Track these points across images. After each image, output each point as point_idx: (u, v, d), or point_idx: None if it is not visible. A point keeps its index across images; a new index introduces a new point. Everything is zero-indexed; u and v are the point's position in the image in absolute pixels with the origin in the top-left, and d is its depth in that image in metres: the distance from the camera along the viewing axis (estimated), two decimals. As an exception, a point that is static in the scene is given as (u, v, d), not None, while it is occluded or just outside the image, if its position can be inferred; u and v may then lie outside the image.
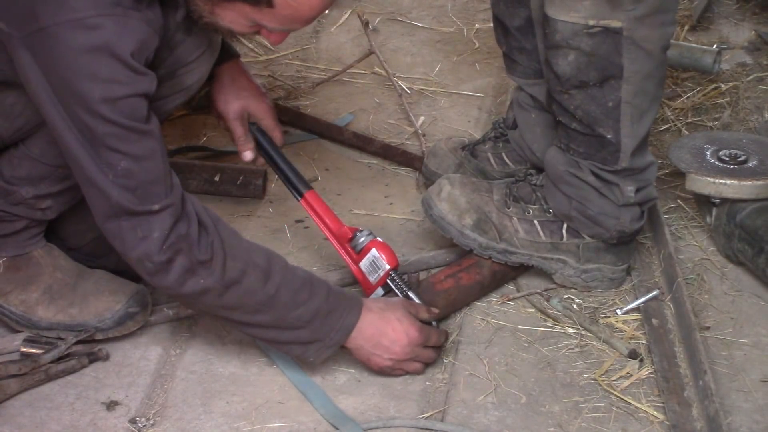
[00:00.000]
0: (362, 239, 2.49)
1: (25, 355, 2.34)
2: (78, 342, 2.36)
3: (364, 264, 2.48)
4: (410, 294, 2.43)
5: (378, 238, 2.50)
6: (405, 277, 2.51)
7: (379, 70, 3.45)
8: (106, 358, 2.38)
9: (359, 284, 2.52)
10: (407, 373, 2.37)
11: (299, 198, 2.57)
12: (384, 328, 2.31)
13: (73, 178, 2.21)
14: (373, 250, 2.47)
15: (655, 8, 2.37)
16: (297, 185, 2.57)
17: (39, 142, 2.29)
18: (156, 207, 2.13)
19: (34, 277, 2.42)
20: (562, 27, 2.39)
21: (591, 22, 2.37)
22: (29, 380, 2.30)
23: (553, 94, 2.49)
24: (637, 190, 2.52)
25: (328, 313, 2.27)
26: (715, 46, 3.51)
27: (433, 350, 2.38)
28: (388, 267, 2.46)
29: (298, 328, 2.26)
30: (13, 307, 2.41)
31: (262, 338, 2.33)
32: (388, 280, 2.45)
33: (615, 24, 2.36)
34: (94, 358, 2.37)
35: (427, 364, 2.39)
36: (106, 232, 2.17)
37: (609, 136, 2.45)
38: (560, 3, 2.38)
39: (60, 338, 2.37)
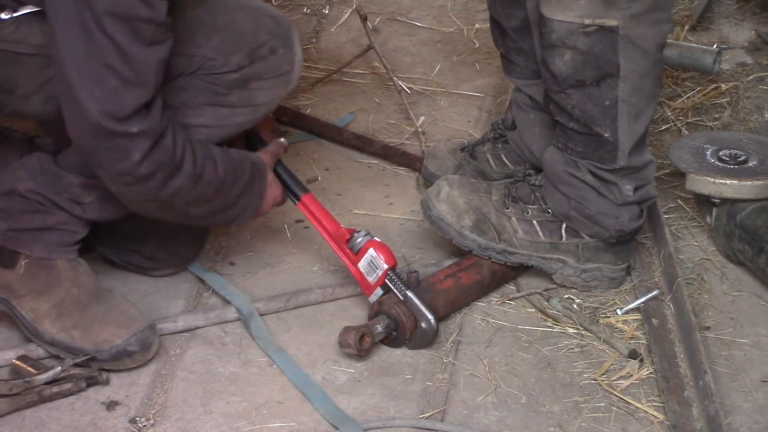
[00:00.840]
0: (359, 240, 2.49)
1: (16, 371, 2.31)
2: (76, 364, 2.32)
3: (362, 264, 2.48)
4: (409, 293, 2.43)
5: (375, 238, 2.49)
6: (404, 276, 2.50)
7: (378, 66, 3.45)
8: (106, 382, 2.33)
9: (358, 285, 2.51)
10: None
11: (296, 201, 2.57)
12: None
13: None
14: (371, 250, 2.47)
15: (651, 6, 2.37)
16: (294, 189, 2.58)
17: None
18: (134, 130, 2.16)
19: (50, 287, 2.38)
20: (558, 26, 2.39)
21: (587, 21, 2.37)
22: (20, 401, 2.26)
23: (550, 94, 2.50)
24: (636, 189, 2.52)
25: (251, 182, 2.44)
26: (715, 46, 3.51)
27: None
28: (386, 266, 2.46)
29: (234, 204, 2.43)
30: (24, 312, 2.39)
31: (203, 224, 2.49)
32: (386, 280, 2.45)
33: (611, 22, 2.36)
34: (92, 383, 2.32)
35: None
36: (84, 149, 2.21)
37: (606, 135, 2.45)
38: (556, 2, 2.38)
39: (59, 357, 2.35)
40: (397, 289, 2.44)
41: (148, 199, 2.28)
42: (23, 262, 2.38)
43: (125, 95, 2.14)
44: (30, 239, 2.38)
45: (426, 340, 2.44)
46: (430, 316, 2.42)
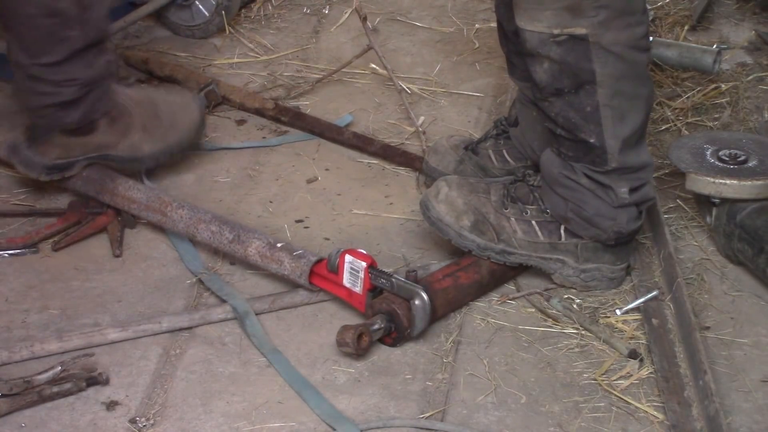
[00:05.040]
0: (334, 255, 2.48)
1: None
2: (75, 361, 2.33)
3: (346, 278, 2.47)
4: (394, 279, 2.40)
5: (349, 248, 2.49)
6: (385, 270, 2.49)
7: (377, 67, 3.45)
8: (106, 382, 2.33)
9: (353, 305, 2.50)
10: None
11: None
12: None
13: None
14: (347, 257, 2.46)
15: (619, 12, 2.37)
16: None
17: None
18: None
19: (129, 122, 2.77)
20: (530, 36, 2.40)
21: (555, 31, 2.37)
22: (20, 401, 2.26)
23: (535, 102, 2.51)
24: (632, 190, 2.52)
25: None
26: (715, 46, 3.51)
27: None
28: (364, 264, 2.45)
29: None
30: (121, 153, 2.77)
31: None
32: (370, 279, 2.44)
33: (579, 31, 2.36)
34: (92, 382, 2.32)
35: None
36: None
37: (592, 141, 2.45)
38: (524, 13, 2.39)
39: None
40: (382, 280, 2.43)
41: None
42: (101, 121, 2.73)
43: None
44: (99, 96, 2.72)
45: (425, 315, 2.42)
46: (419, 291, 2.40)
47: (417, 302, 2.41)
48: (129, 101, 2.79)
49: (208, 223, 2.63)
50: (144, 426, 2.24)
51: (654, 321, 2.52)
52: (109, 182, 2.77)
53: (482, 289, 2.59)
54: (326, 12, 3.87)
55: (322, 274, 2.51)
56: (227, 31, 3.68)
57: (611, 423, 2.28)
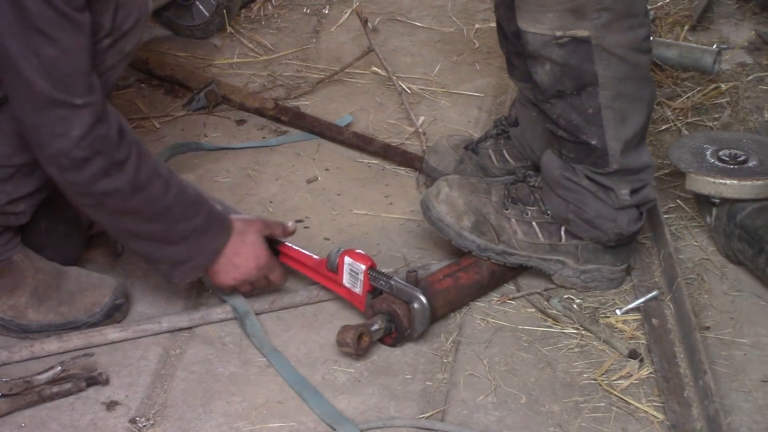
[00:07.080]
0: (333, 256, 2.48)
1: None
2: (75, 361, 2.32)
3: (345, 279, 2.47)
4: (393, 281, 2.40)
5: (348, 248, 2.49)
6: (386, 270, 2.49)
7: (378, 69, 3.45)
8: (106, 382, 2.33)
9: (353, 304, 2.50)
10: (240, 292, 2.50)
11: (276, 255, 2.57)
12: (240, 248, 2.41)
13: (39, 176, 2.25)
14: (347, 258, 2.46)
15: (621, 14, 2.37)
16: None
17: None
18: (78, 101, 2.13)
19: (19, 281, 2.43)
20: (532, 38, 2.40)
21: (558, 33, 2.37)
22: (20, 401, 2.26)
23: (537, 103, 2.51)
24: (633, 192, 2.52)
25: (204, 233, 2.35)
26: (715, 46, 3.51)
27: (269, 282, 2.51)
28: (363, 267, 2.45)
29: (176, 243, 2.34)
30: (1, 313, 2.42)
31: (140, 251, 2.38)
32: (369, 280, 2.44)
33: (582, 33, 2.36)
34: (92, 382, 2.32)
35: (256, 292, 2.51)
36: (25, 125, 2.17)
37: (594, 142, 2.45)
38: (527, 15, 2.39)
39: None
40: (382, 282, 2.43)
41: (81, 192, 2.24)
42: None
43: (64, 63, 2.11)
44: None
45: (424, 318, 2.42)
46: (418, 294, 2.40)
47: (416, 306, 2.41)
48: (26, 263, 2.43)
49: None
50: (144, 426, 2.24)
51: (654, 321, 2.52)
52: None
53: (482, 290, 2.59)
54: (326, 12, 3.87)
55: (320, 270, 2.52)
56: (227, 31, 3.68)
57: (611, 423, 2.28)
